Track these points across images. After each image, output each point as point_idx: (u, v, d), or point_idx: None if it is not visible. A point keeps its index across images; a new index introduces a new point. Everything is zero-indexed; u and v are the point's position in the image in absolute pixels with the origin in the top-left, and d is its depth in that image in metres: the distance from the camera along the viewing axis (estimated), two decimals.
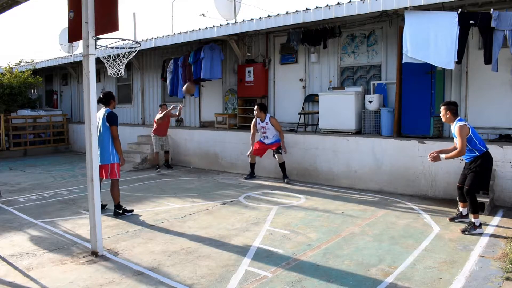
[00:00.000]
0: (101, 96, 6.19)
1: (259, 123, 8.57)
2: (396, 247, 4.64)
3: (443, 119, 5.34)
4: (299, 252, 4.53)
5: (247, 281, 3.81)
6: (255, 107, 8.60)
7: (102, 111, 6.07)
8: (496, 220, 5.64)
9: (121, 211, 6.09)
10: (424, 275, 3.88)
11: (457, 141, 5.10)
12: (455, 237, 4.94)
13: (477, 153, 5.08)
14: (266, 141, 8.54)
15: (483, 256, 4.31)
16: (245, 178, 8.86)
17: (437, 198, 6.91)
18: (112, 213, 6.17)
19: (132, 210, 6.23)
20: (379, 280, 3.80)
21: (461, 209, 5.49)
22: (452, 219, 5.55)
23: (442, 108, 5.31)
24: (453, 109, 5.22)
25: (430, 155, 5.34)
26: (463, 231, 5.03)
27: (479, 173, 5.07)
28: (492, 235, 4.96)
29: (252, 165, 8.88)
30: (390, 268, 4.06)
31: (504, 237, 4.88)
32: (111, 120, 6.00)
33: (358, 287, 3.68)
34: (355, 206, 6.46)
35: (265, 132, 8.49)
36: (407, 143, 7.28)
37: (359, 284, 3.73)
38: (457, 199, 5.53)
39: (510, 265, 3.98)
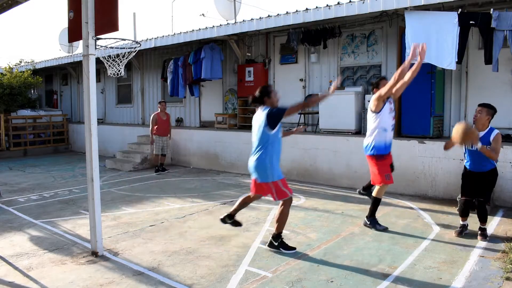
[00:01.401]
0: (256, 95, 4.48)
1: (390, 101, 5.25)
2: (396, 247, 4.64)
3: (477, 120, 4.78)
4: (299, 252, 4.53)
5: (247, 281, 3.81)
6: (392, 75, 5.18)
7: (260, 112, 4.42)
8: (496, 220, 5.64)
9: (276, 244, 4.52)
10: (424, 275, 3.88)
11: (493, 147, 4.67)
12: (455, 237, 4.94)
13: (496, 164, 4.86)
14: (389, 139, 5.22)
15: (483, 256, 4.31)
16: (378, 229, 5.24)
17: (437, 198, 6.91)
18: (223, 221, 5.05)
19: (294, 248, 4.55)
20: (379, 280, 3.80)
21: (462, 222, 5.05)
22: (460, 234, 4.98)
23: (482, 109, 4.78)
24: (493, 115, 4.82)
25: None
26: (485, 238, 4.78)
27: (494, 185, 4.92)
28: (492, 235, 4.95)
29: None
30: (390, 268, 4.06)
31: (504, 237, 4.88)
32: (272, 119, 4.25)
33: (358, 287, 3.68)
34: (355, 206, 6.45)
35: (394, 118, 5.35)
36: (407, 143, 7.28)
37: (359, 284, 3.73)
38: (460, 212, 4.98)
39: (510, 265, 3.98)
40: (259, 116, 4.41)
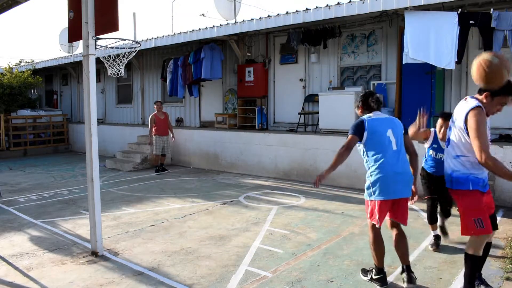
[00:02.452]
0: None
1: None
2: None
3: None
4: (299, 252, 4.53)
5: (247, 281, 3.81)
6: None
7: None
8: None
9: (415, 276, 3.58)
10: (424, 275, 3.88)
11: None
12: (455, 237, 4.93)
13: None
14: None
15: None
16: None
17: None
18: None
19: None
20: None
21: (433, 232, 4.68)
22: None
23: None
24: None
25: None
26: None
27: None
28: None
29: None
30: (390, 268, 4.05)
31: (504, 237, 4.88)
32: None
33: (358, 287, 3.68)
34: (355, 206, 6.45)
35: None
36: None
37: (359, 284, 3.73)
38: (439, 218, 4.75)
39: (510, 265, 3.98)
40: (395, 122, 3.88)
